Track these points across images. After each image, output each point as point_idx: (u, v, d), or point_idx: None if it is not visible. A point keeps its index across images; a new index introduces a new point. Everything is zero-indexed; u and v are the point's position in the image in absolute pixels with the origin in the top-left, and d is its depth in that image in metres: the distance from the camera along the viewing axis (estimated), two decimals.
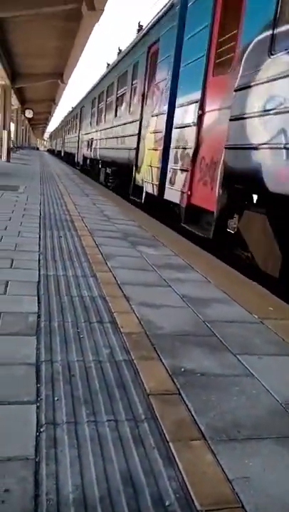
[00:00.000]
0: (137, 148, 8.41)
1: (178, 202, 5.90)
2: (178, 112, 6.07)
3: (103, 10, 11.13)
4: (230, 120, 4.30)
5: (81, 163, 19.55)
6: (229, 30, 4.74)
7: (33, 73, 20.72)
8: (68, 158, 27.70)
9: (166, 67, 6.68)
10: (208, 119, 5.14)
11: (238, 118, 4.13)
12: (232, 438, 1.55)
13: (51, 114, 44.70)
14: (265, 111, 3.67)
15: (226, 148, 4.36)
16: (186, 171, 5.60)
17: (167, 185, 6.37)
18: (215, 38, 5.08)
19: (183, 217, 5.69)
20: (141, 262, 3.96)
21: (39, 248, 4.05)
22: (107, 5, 10.34)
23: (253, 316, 2.80)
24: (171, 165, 6.26)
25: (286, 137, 3.35)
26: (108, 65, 14.25)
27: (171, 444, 1.49)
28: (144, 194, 7.77)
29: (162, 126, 6.69)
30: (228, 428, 1.60)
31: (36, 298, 2.74)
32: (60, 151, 37.82)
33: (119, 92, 11.01)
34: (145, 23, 9.12)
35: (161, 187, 6.62)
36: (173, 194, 6.11)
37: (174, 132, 6.17)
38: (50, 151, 60.79)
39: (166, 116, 6.54)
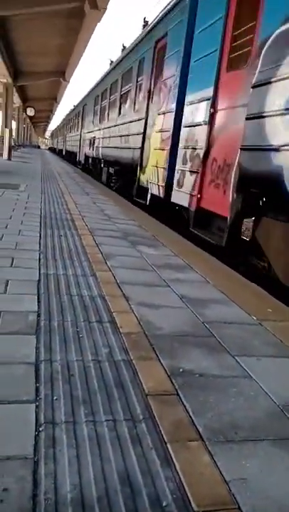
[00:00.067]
0: (142, 148, 8.06)
1: (186, 205, 5.56)
2: (187, 109, 5.74)
3: (106, 8, 11.14)
4: (247, 119, 3.99)
5: (83, 162, 19.23)
6: (246, 22, 4.42)
7: (35, 71, 20.72)
8: (70, 157, 27.57)
9: (174, 62, 6.35)
10: (221, 118, 4.81)
11: (257, 117, 3.84)
12: (229, 439, 1.56)
13: (53, 113, 44.69)
14: (288, 109, 3.40)
15: (241, 149, 4.05)
16: (195, 172, 5.27)
17: (175, 187, 6.04)
18: (229, 31, 4.74)
19: (192, 222, 5.38)
20: (141, 261, 3.96)
21: (39, 247, 4.06)
22: (111, 2, 10.33)
23: (251, 317, 2.81)
24: (179, 166, 5.92)
25: None
26: (111, 62, 13.92)
27: (168, 444, 1.50)
28: (149, 196, 7.45)
29: (170, 125, 6.36)
30: (226, 429, 1.61)
31: (36, 297, 2.75)
32: (61, 150, 37.77)
33: (123, 89, 10.62)
34: (151, 18, 8.83)
35: (168, 189, 6.29)
36: (181, 197, 5.78)
37: (183, 131, 5.85)
38: (52, 150, 60.77)
39: (174, 114, 6.22)
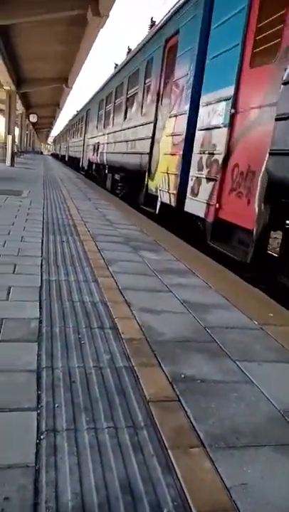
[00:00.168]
0: (151, 153, 7.62)
1: (202, 216, 5.11)
2: (203, 111, 5.31)
3: (108, 16, 11.26)
4: (278, 119, 3.61)
5: (86, 168, 18.97)
6: (273, 11, 3.99)
7: (38, 78, 20.90)
8: (72, 163, 27.52)
9: (187, 61, 5.91)
10: (243, 119, 4.35)
11: None
12: (230, 445, 1.56)
13: (55, 119, 44.96)
14: None
15: (270, 153, 3.68)
16: (213, 180, 4.84)
17: (189, 195, 5.59)
18: (253, 23, 4.32)
19: (209, 234, 4.95)
20: (142, 267, 3.97)
21: (42, 253, 4.08)
22: (114, 8, 10.40)
23: (253, 322, 2.81)
24: (193, 172, 5.48)
25: None
26: (116, 65, 13.44)
27: (170, 451, 1.50)
28: (158, 204, 6.98)
29: (182, 128, 5.93)
30: (227, 435, 1.61)
31: (38, 303, 2.76)
32: (64, 156, 37.83)
33: (129, 92, 10.20)
34: (158, 18, 8.37)
35: (180, 197, 5.86)
36: (196, 206, 5.31)
37: (198, 135, 5.42)
38: (54, 156, 61.00)
39: (187, 116, 5.79)
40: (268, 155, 3.72)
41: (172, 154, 6.36)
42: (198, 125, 5.43)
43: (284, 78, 3.58)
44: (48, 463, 1.38)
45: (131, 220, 7.03)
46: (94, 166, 16.78)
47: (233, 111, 4.51)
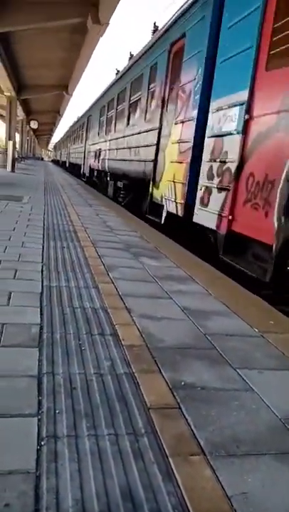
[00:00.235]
0: (155, 161, 7.38)
1: (213, 227, 4.83)
2: (213, 117, 5.05)
3: (108, 23, 11.36)
4: None
5: (87, 174, 18.75)
6: None
7: (39, 85, 21.04)
8: (73, 169, 27.49)
9: (195, 65, 5.69)
10: (259, 125, 4.10)
11: None
12: (231, 453, 1.56)
13: (56, 125, 45.16)
14: None
15: None
16: (226, 189, 4.56)
17: (198, 205, 5.32)
18: (269, 23, 4.06)
19: (221, 247, 4.67)
20: (143, 273, 3.98)
21: (42, 259, 4.08)
22: (115, 16, 10.49)
23: (253, 329, 2.81)
24: (203, 181, 5.21)
25: None
26: (118, 71, 13.32)
27: (170, 458, 1.50)
28: (164, 214, 6.72)
29: (190, 135, 5.71)
30: (228, 443, 1.61)
31: (39, 309, 2.77)
32: (64, 162, 37.92)
33: (132, 98, 9.97)
34: (161, 23, 8.27)
35: (188, 207, 5.62)
36: (206, 217, 5.04)
37: (208, 142, 5.16)
38: (55, 162, 61.19)
39: (195, 123, 5.56)
40: (288, 163, 3.53)
41: (179, 162, 6.13)
42: (208, 132, 5.19)
43: None
44: (48, 469, 1.38)
45: (131, 226, 7.04)
46: (95, 173, 16.57)
47: (247, 116, 4.26)
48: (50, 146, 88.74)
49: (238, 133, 4.41)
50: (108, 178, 13.30)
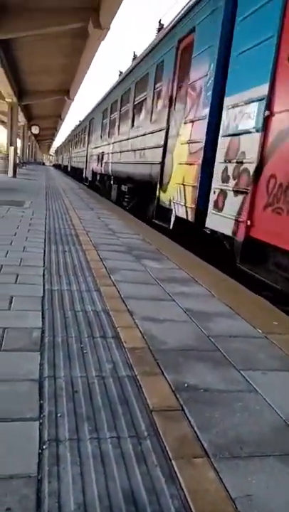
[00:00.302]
0: (162, 163, 7.07)
1: (229, 233, 4.48)
2: (228, 115, 4.72)
3: (109, 28, 11.40)
4: None
5: (90, 178, 18.49)
6: None
7: (40, 90, 21.14)
8: (75, 173, 27.47)
9: (206, 60, 5.38)
10: (281, 122, 3.78)
11: None
12: (235, 455, 1.54)
13: (57, 130, 45.33)
14: None
15: None
16: (243, 192, 4.24)
17: (211, 209, 4.98)
18: None
19: (238, 255, 4.41)
20: (145, 275, 3.97)
21: (44, 263, 4.08)
22: (117, 17, 10.54)
23: (257, 330, 2.79)
24: (217, 184, 4.87)
25: None
26: (120, 73, 13.07)
27: (173, 461, 1.49)
28: (172, 218, 6.38)
29: (201, 135, 5.38)
30: (231, 445, 1.59)
31: (40, 313, 2.76)
32: (66, 166, 38.02)
33: (136, 99, 9.69)
34: (166, 21, 8.02)
35: (200, 211, 5.30)
36: (221, 222, 4.69)
37: (222, 142, 4.82)
38: (56, 166, 61.40)
39: (206, 121, 5.25)
40: None
41: (189, 164, 5.80)
42: (222, 131, 4.86)
43: None
44: (50, 473, 1.36)
45: (133, 229, 7.04)
46: (98, 177, 16.25)
47: (267, 113, 3.94)
48: (52, 150, 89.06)
49: (257, 131, 4.10)
50: (112, 182, 13.05)
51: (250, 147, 4.21)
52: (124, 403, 1.81)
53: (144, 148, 8.46)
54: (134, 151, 9.36)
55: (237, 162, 4.44)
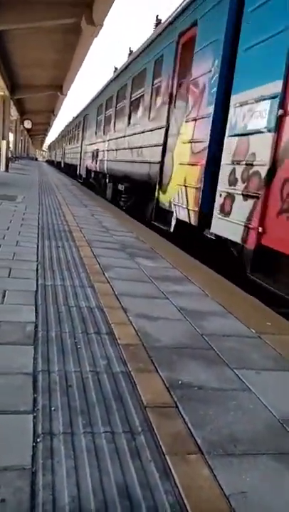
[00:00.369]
0: (162, 162, 6.75)
1: (238, 240, 4.16)
2: (235, 113, 4.40)
3: (102, 25, 11.33)
4: None
5: (84, 176, 18.08)
6: None
7: (33, 85, 20.96)
8: (69, 170, 27.18)
9: (210, 55, 5.06)
10: None
11: None
12: (229, 453, 1.55)
13: (50, 125, 45.07)
14: None
15: None
16: (254, 197, 3.91)
17: (217, 213, 4.64)
18: None
19: (249, 264, 4.12)
20: (138, 273, 3.96)
21: (37, 258, 4.05)
22: (111, 12, 10.48)
23: (250, 330, 2.81)
24: (223, 187, 4.53)
25: None
26: (116, 68, 12.57)
27: (167, 457, 1.49)
28: (173, 221, 6.06)
29: (205, 134, 5.09)
30: (225, 442, 1.60)
31: (34, 307, 2.74)
32: (59, 162, 37.73)
33: (133, 95, 9.35)
34: (164, 17, 7.63)
35: (203, 215, 5.01)
36: (228, 228, 4.37)
37: (229, 142, 4.49)
38: (50, 162, 61.02)
39: (211, 120, 4.94)
40: None
41: (191, 164, 5.47)
42: (229, 130, 4.52)
43: None
44: (44, 466, 1.35)
45: (127, 227, 7.02)
46: (92, 174, 15.79)
47: (281, 112, 3.66)
48: (45, 146, 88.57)
49: (269, 131, 3.81)
50: (107, 180, 12.68)
51: (261, 148, 3.91)
52: (118, 399, 1.81)
53: (142, 147, 8.17)
54: (132, 149, 9.05)
55: (246, 164, 4.11)
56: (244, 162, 4.16)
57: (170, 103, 6.63)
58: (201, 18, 5.49)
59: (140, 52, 8.87)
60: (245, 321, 2.95)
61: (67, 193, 12.88)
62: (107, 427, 1.61)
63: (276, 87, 3.73)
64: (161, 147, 6.82)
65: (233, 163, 4.40)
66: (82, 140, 19.29)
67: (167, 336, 2.54)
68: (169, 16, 6.95)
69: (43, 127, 46.38)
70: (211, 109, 4.97)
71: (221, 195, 4.58)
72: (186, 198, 5.54)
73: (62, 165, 33.08)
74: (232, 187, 4.36)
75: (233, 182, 4.35)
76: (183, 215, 5.63)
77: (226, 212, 4.46)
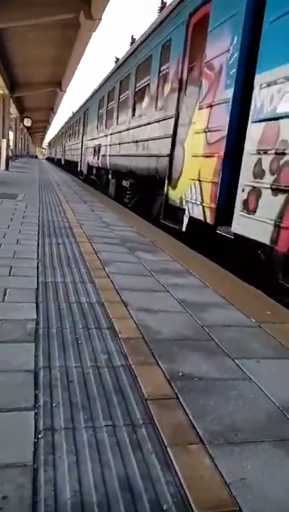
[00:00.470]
0: (171, 155, 6.25)
1: (267, 242, 3.69)
2: (261, 95, 3.89)
3: (100, 19, 11.27)
4: None
5: (85, 172, 17.56)
6: None
7: (32, 82, 20.89)
8: (69, 167, 26.90)
9: (228, 33, 4.56)
10: None
11: None
12: (230, 442, 1.55)
13: (50, 123, 44.96)
14: None
15: None
16: (286, 191, 3.45)
17: (239, 211, 4.11)
18: None
19: (281, 270, 3.80)
20: (139, 267, 3.97)
21: (37, 255, 4.06)
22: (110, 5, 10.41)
23: (250, 320, 2.81)
24: (247, 180, 4.02)
25: None
26: (117, 59, 11.86)
27: (168, 448, 1.49)
28: (185, 219, 5.55)
29: (223, 121, 4.54)
30: (226, 432, 1.61)
31: (35, 305, 2.75)
32: (60, 159, 37.59)
33: (138, 84, 8.77)
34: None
35: (221, 212, 4.55)
36: (254, 227, 3.87)
37: (254, 128, 3.97)
38: (50, 159, 60.94)
39: (230, 104, 4.42)
40: None
41: (207, 156, 4.95)
42: (253, 115, 4.01)
43: None
44: (46, 462, 1.37)
45: (128, 222, 7.02)
46: (94, 171, 15.26)
47: None
48: (45, 143, 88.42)
49: None
50: (110, 176, 12.06)
51: None
52: (119, 392, 1.82)
53: (148, 139, 7.62)
54: (136, 142, 8.51)
55: (276, 153, 3.61)
56: (273, 151, 3.66)
57: (180, 90, 6.10)
58: None
59: (145, 39, 8.29)
60: (245, 311, 2.96)
61: (68, 189, 12.88)
62: (109, 420, 1.62)
63: None
64: (170, 138, 6.30)
65: (258, 153, 3.89)
66: (82, 135, 18.87)
67: (168, 328, 2.54)
68: None
69: (42, 125, 46.31)
70: (230, 92, 4.45)
71: (244, 189, 4.07)
72: (201, 194, 5.05)
73: (63, 162, 32.90)
74: (258, 180, 3.86)
75: (259, 174, 3.85)
76: (197, 213, 5.14)
77: (250, 209, 3.96)
